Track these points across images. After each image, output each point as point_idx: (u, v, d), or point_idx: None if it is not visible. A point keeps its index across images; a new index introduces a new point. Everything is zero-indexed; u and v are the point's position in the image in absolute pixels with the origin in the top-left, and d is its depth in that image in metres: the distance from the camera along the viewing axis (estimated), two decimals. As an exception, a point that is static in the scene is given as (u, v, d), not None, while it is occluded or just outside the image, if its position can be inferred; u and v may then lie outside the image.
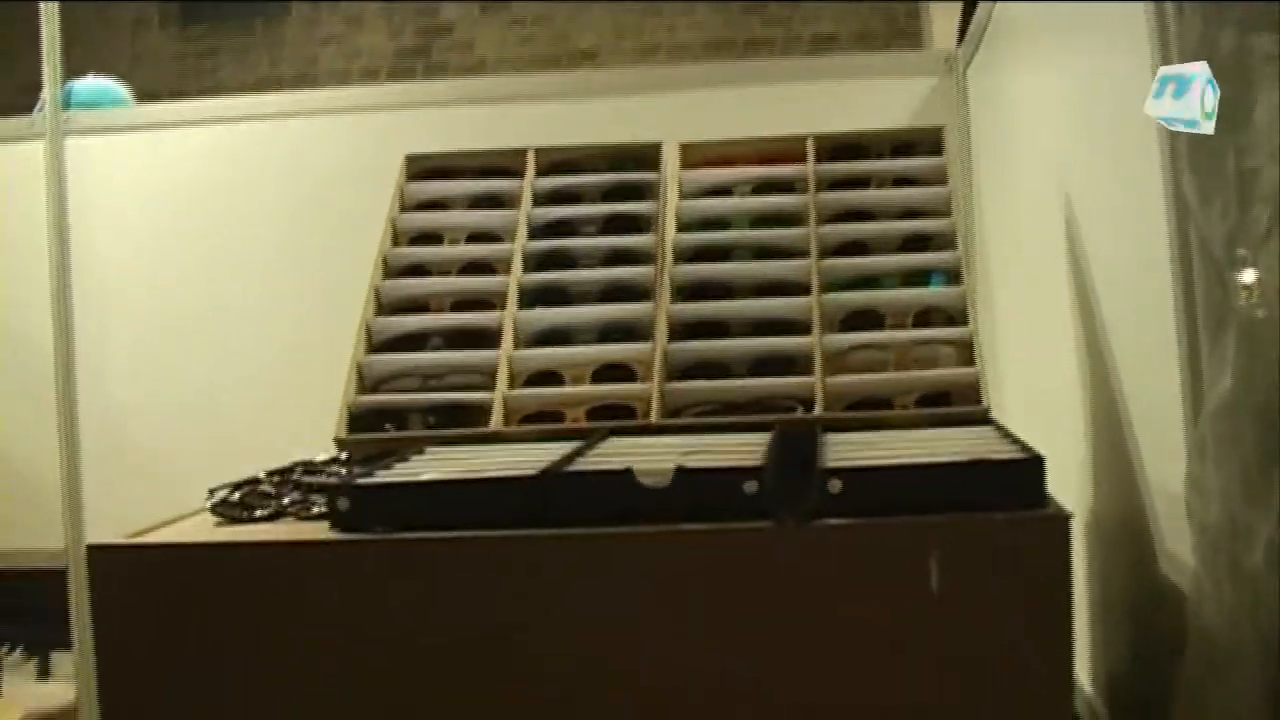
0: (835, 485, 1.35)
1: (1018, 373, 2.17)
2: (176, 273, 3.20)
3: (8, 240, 3.25)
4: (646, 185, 2.11)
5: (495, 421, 1.79)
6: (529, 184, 2.12)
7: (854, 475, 1.36)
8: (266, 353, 3.13)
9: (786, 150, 2.13)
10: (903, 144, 2.14)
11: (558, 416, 1.81)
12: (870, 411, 1.73)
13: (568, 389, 1.83)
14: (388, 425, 1.84)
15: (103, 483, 3.21)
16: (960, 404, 1.75)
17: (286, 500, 1.53)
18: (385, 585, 1.38)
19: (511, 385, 1.85)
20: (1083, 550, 1.88)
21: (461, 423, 1.82)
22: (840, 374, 1.80)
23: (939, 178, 2.05)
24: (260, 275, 3.15)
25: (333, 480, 1.53)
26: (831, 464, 1.38)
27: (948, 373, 1.78)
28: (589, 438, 1.68)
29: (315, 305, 2.94)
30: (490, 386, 1.85)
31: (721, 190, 2.10)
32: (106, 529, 3.27)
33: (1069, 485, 1.88)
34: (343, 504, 1.41)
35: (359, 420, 1.84)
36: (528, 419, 1.82)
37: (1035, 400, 2.17)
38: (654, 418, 1.75)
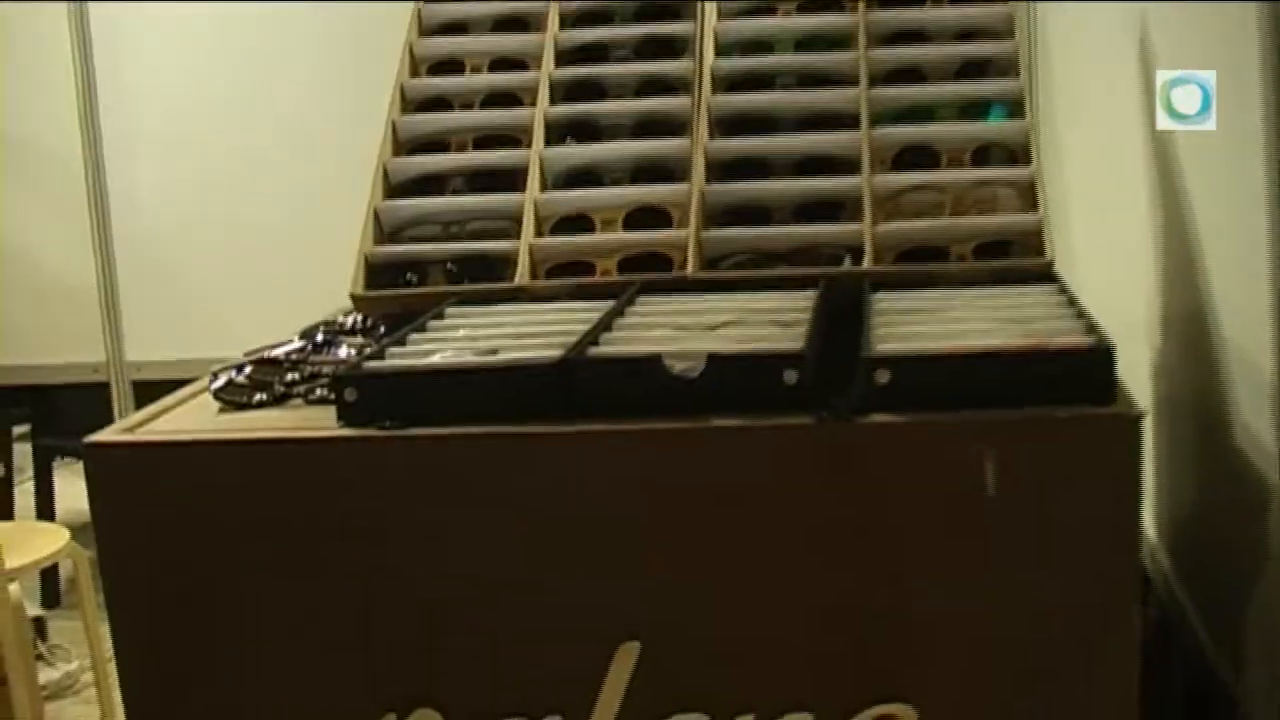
0: (883, 376, 1.23)
1: (1085, 221, 2.01)
2: (206, 104, 3.07)
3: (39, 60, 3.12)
4: (683, 2, 1.94)
5: (521, 274, 1.67)
6: (556, 3, 1.95)
7: (903, 364, 1.23)
8: (301, 188, 3.02)
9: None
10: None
11: (587, 267, 1.69)
12: (923, 264, 1.60)
13: (597, 237, 1.71)
14: (408, 275, 1.73)
15: (138, 300, 3.14)
16: (1021, 253, 1.62)
17: (291, 379, 1.42)
18: (395, 484, 1.28)
19: (538, 231, 1.73)
20: (1150, 393, 1.77)
21: (485, 273, 1.71)
22: (891, 218, 1.66)
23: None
24: (293, 109, 3.01)
25: (339, 367, 1.42)
26: (878, 349, 1.26)
27: (1008, 219, 1.64)
28: (620, 295, 1.56)
29: (348, 141, 2.79)
30: (515, 233, 1.73)
31: (763, 9, 1.93)
32: (143, 345, 3.29)
33: (1138, 353, 1.76)
34: (350, 395, 1.30)
35: (377, 272, 1.72)
36: (555, 269, 1.70)
37: (1102, 254, 2.02)
38: (689, 269, 1.63)
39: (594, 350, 1.33)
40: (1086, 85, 2.05)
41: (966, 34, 1.84)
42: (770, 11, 1.92)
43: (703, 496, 1.25)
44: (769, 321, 1.42)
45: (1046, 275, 1.54)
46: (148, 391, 3.17)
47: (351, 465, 1.29)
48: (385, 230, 1.78)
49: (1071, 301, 1.42)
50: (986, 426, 1.21)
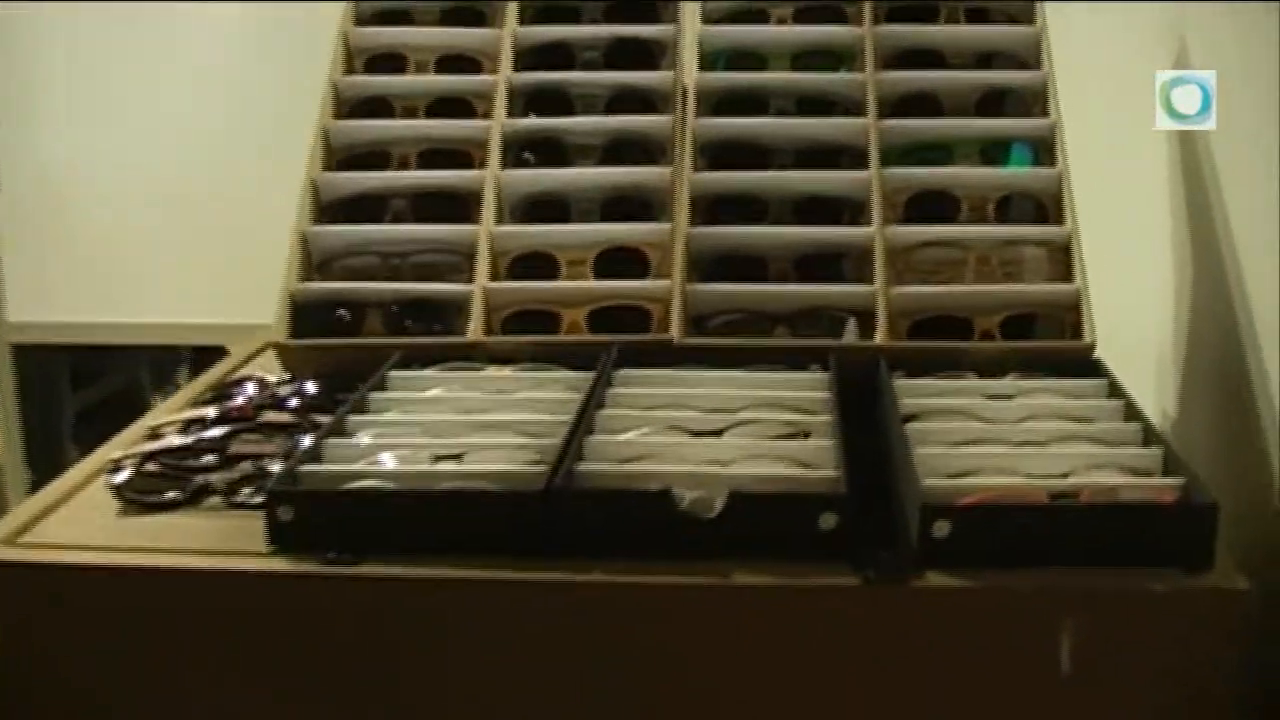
0: (942, 529, 1.01)
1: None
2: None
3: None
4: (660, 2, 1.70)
5: (474, 326, 1.43)
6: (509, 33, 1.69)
7: (966, 515, 1.02)
8: (222, 190, 2.72)
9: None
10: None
11: (551, 319, 1.45)
12: (945, 341, 1.38)
13: (563, 285, 1.47)
14: (340, 312, 1.48)
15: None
16: (1053, 330, 1.41)
17: (207, 462, 1.18)
18: (339, 626, 1.05)
19: (494, 271, 1.49)
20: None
21: (433, 319, 1.47)
22: (904, 275, 1.45)
23: (1024, 11, 1.65)
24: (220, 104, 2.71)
25: (270, 462, 1.18)
26: (931, 488, 1.04)
27: (1042, 290, 1.43)
28: (591, 359, 1.34)
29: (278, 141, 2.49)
30: (467, 268, 1.49)
31: (755, 13, 1.69)
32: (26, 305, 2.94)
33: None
34: (284, 513, 1.06)
35: (305, 314, 1.47)
36: (514, 319, 1.46)
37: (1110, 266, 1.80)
38: (674, 332, 1.40)
39: (583, 469, 1.10)
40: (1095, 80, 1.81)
41: (987, 57, 1.62)
42: (762, 18, 1.68)
43: (716, 661, 1.03)
44: (784, 423, 1.20)
45: (1093, 367, 1.33)
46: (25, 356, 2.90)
47: (286, 602, 1.05)
48: (314, 259, 1.53)
49: (1131, 408, 1.22)
50: (1066, 595, 1.00)
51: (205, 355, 2.14)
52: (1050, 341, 1.39)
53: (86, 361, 3.27)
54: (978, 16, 1.66)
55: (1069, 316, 1.40)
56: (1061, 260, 1.44)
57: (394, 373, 1.35)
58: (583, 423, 1.18)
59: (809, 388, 1.28)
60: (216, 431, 1.23)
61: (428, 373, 1.36)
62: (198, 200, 2.72)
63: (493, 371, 1.36)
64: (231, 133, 2.67)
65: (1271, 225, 1.29)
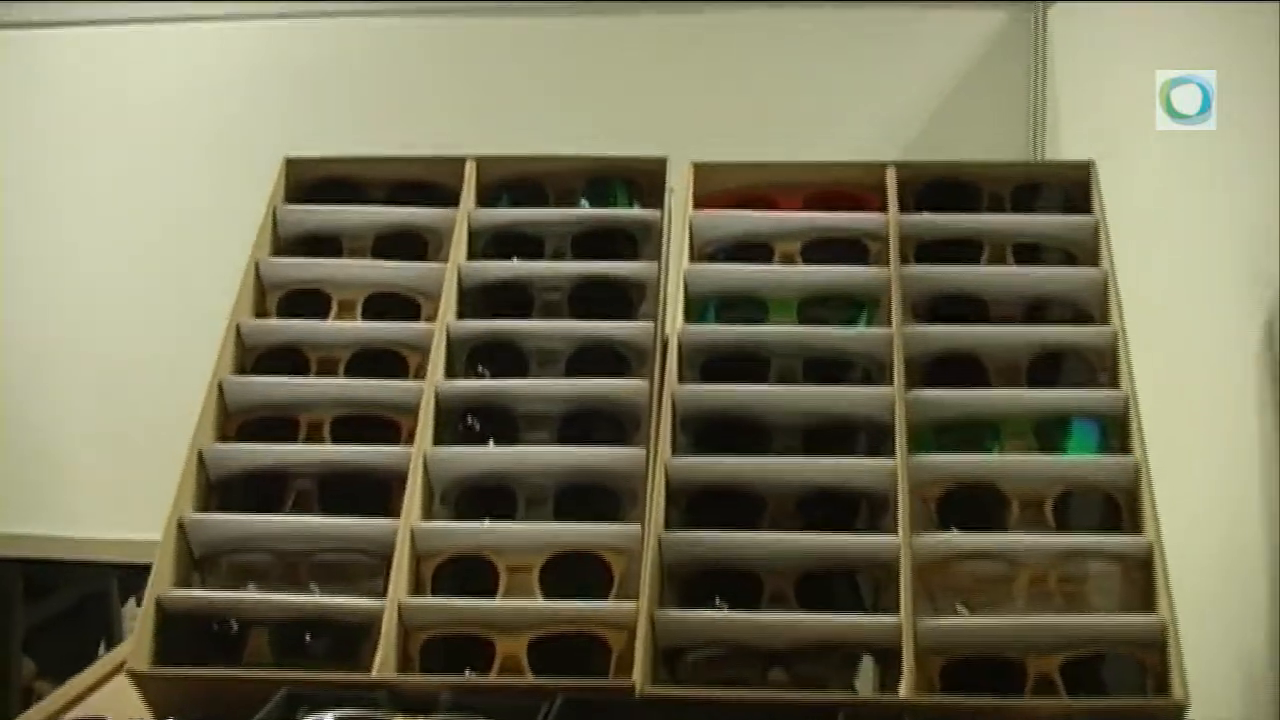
0: None
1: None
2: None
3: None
4: (639, 229, 1.41)
5: (383, 656, 1.11)
6: (464, 214, 1.41)
7: None
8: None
9: (851, 184, 1.42)
10: (1027, 185, 1.42)
11: (482, 649, 1.14)
12: (989, 697, 1.05)
13: (499, 606, 1.16)
14: (218, 626, 1.16)
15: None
16: (1125, 674, 1.08)
17: None
18: None
19: (414, 581, 1.18)
20: None
21: (332, 644, 1.16)
22: (935, 596, 1.14)
23: (1086, 252, 1.34)
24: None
25: None
26: None
27: (1116, 622, 1.10)
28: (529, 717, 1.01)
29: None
30: (383, 572, 1.17)
31: (755, 244, 1.39)
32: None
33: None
34: None
35: (176, 626, 1.16)
36: (435, 646, 1.15)
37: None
38: (636, 677, 1.07)
39: None
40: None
41: (1040, 305, 1.31)
42: (763, 254, 1.38)
43: None
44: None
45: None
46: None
47: None
48: (195, 552, 1.22)
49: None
50: None
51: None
52: (1125, 699, 1.06)
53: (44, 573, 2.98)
54: (1028, 254, 1.35)
55: (1150, 659, 1.07)
56: (1140, 579, 1.13)
57: (275, 723, 1.03)
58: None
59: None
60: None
61: (315, 725, 1.03)
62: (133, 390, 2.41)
63: (399, 731, 1.03)
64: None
65: None
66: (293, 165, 1.47)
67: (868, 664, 1.10)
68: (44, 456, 2.53)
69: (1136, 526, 1.15)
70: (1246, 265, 1.57)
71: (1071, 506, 1.18)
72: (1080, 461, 1.21)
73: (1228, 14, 1.65)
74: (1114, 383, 1.25)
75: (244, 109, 2.37)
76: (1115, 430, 1.22)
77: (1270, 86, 1.66)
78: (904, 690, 1.06)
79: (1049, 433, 1.23)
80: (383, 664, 1.12)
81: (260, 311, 1.39)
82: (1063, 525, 1.17)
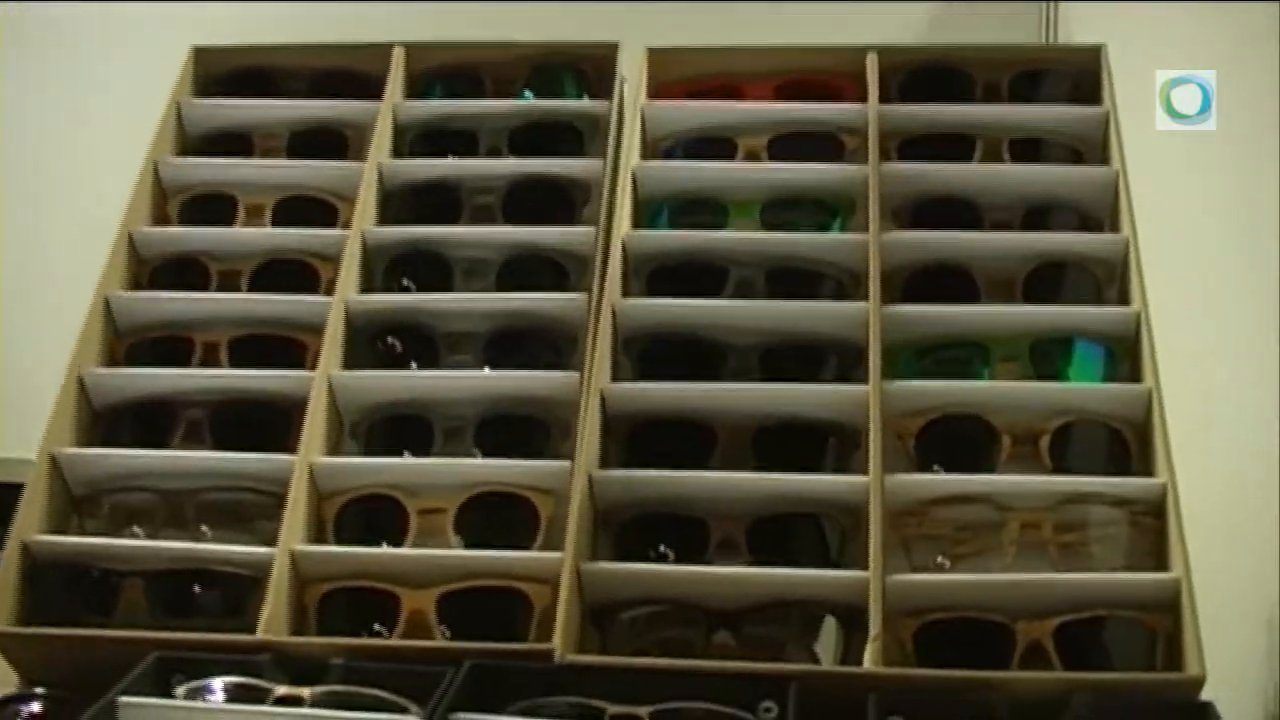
0: None
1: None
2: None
3: None
4: (586, 123, 1.26)
5: (271, 616, 0.97)
6: (389, 108, 1.25)
7: None
8: None
9: (826, 71, 1.27)
10: (1027, 73, 1.26)
11: (385, 603, 1.01)
12: (969, 670, 0.91)
13: (405, 553, 1.03)
14: (89, 575, 1.04)
15: None
16: (1133, 642, 0.94)
17: None
18: None
19: (318, 521, 1.05)
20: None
21: (216, 597, 1.04)
22: (916, 547, 1.01)
23: (1094, 149, 1.20)
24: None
25: None
26: None
27: (1122, 580, 0.96)
28: (430, 686, 0.87)
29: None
30: (278, 514, 1.02)
31: (716, 139, 1.24)
32: None
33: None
34: None
35: (45, 581, 1.04)
36: (334, 599, 1.01)
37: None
38: (557, 644, 0.93)
39: None
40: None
41: (1041, 211, 1.16)
42: (725, 149, 1.23)
43: None
44: None
45: (1193, 706, 0.87)
46: None
47: None
48: (75, 491, 1.08)
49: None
50: None
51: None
52: (1133, 673, 0.91)
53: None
54: (1027, 151, 1.20)
55: (1161, 623, 0.93)
56: (1150, 530, 0.99)
57: (127, 701, 0.88)
58: None
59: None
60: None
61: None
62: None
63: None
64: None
65: None
66: (201, 55, 1.34)
67: (830, 626, 0.97)
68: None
69: (1147, 467, 1.02)
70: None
71: (1071, 443, 1.05)
72: (1083, 390, 1.07)
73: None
74: (1124, 299, 1.11)
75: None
76: (1124, 354, 1.09)
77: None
78: (868, 659, 0.91)
79: (1047, 356, 1.10)
80: (270, 622, 0.99)
81: (159, 218, 1.25)
82: (1061, 465, 1.04)
